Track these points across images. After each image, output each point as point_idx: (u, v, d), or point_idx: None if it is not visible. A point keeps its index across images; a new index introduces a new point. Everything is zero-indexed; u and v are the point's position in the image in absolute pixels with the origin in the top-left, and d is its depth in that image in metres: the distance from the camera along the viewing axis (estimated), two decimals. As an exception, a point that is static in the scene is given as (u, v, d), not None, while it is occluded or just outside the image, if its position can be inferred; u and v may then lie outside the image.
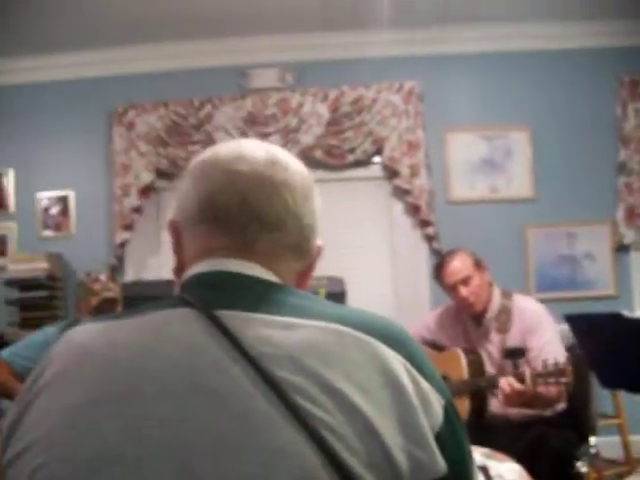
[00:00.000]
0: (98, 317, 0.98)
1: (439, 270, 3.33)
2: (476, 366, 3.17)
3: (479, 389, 3.06)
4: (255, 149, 1.02)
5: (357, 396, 0.79)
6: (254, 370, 0.80)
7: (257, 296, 0.91)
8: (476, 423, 2.93)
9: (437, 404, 0.85)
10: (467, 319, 3.34)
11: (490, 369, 3.17)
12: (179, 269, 1.03)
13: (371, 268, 4.48)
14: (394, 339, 0.87)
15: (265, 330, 0.84)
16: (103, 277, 3.73)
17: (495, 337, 3.22)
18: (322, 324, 0.85)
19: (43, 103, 4.83)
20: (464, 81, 4.57)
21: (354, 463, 0.76)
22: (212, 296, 0.90)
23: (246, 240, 0.96)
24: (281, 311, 0.87)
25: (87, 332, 0.92)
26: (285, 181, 0.99)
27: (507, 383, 2.86)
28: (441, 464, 0.81)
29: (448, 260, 3.30)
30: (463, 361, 3.15)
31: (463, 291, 3.21)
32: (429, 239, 4.41)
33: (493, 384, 3.00)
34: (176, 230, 1.03)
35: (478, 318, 3.28)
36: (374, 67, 4.55)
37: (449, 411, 0.86)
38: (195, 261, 0.98)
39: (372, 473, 0.77)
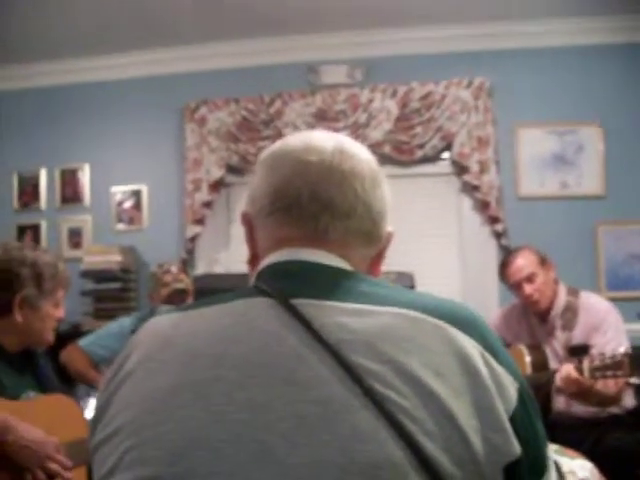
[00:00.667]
0: (177, 307, 1.01)
1: (503, 268, 3.32)
2: (539, 363, 3.15)
3: (541, 384, 3.03)
4: (323, 139, 1.04)
5: (432, 381, 0.80)
6: (332, 357, 0.82)
7: (331, 284, 0.93)
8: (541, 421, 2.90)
9: (511, 387, 0.85)
10: (532, 316, 3.32)
11: (554, 366, 3.14)
12: (253, 260, 1.06)
13: (439, 264, 4.46)
14: (467, 323, 0.88)
15: (341, 317, 0.86)
16: (174, 269, 3.82)
17: (560, 334, 3.18)
18: (396, 310, 0.87)
19: (118, 100, 4.95)
20: (534, 76, 4.49)
21: (431, 446, 0.77)
22: (287, 285, 0.92)
23: (318, 229, 0.99)
24: (356, 298, 0.89)
25: (168, 321, 0.95)
26: (353, 170, 1.01)
27: (565, 369, 2.83)
28: (516, 447, 0.82)
29: (512, 258, 3.29)
30: (527, 358, 3.13)
31: (527, 289, 3.19)
32: (498, 235, 4.37)
33: (554, 379, 2.97)
34: (248, 222, 1.06)
35: (543, 315, 3.25)
36: (443, 63, 4.53)
37: (523, 394, 0.87)
38: (269, 252, 1.01)
39: (448, 456, 0.78)
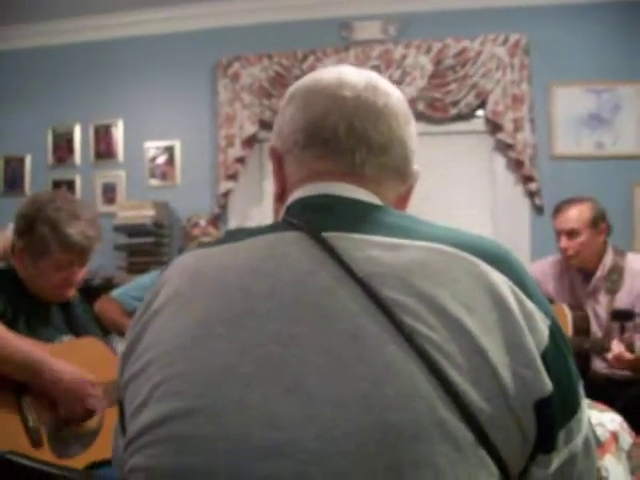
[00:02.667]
0: (205, 243, 1.01)
1: (555, 211, 3.24)
2: (582, 325, 3.10)
3: (582, 350, 3.01)
4: (355, 75, 1.04)
5: (463, 315, 0.80)
6: (363, 290, 0.82)
7: (363, 218, 0.92)
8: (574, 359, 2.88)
9: (542, 324, 0.84)
10: (575, 274, 3.26)
11: (596, 329, 3.10)
12: (281, 195, 1.06)
13: (471, 222, 4.40)
14: (498, 259, 0.87)
15: (373, 251, 0.85)
16: (203, 222, 3.84)
17: (603, 298, 3.12)
18: (428, 245, 0.86)
19: (151, 55, 4.95)
20: (572, 33, 4.39)
21: (460, 380, 0.77)
22: (320, 219, 0.92)
23: (354, 164, 0.99)
24: (387, 232, 0.89)
25: (196, 256, 0.96)
26: (387, 105, 1.02)
27: (617, 348, 2.80)
28: (547, 383, 0.81)
29: (566, 206, 3.19)
30: (569, 318, 3.09)
31: (564, 242, 3.14)
32: (531, 195, 4.32)
33: (598, 348, 2.94)
34: (277, 156, 1.06)
35: (587, 275, 3.19)
36: (479, 18, 4.45)
37: (554, 331, 0.86)
38: (300, 185, 1.01)
39: (478, 390, 0.78)
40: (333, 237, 0.88)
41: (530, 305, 0.84)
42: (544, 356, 0.82)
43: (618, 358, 2.79)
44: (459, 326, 0.80)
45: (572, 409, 0.87)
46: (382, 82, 1.06)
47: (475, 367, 0.78)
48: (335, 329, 0.80)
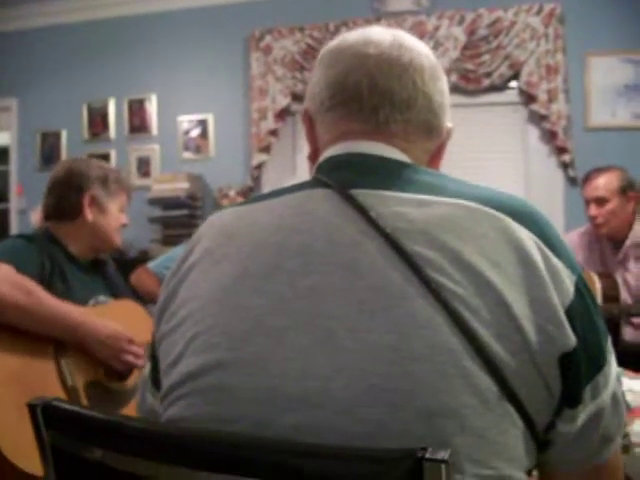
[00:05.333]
0: (237, 202, 1.03)
1: (584, 180, 3.24)
2: (611, 292, 3.10)
3: (611, 317, 3.00)
4: (381, 33, 1.04)
5: (488, 270, 0.81)
6: (389, 245, 0.83)
7: (390, 175, 0.93)
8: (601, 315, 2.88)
9: (568, 280, 0.84)
10: (605, 243, 3.26)
11: (626, 297, 3.10)
12: (313, 155, 1.08)
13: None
14: (525, 216, 0.87)
15: (399, 207, 0.86)
16: (232, 193, 3.87)
17: (634, 266, 3.12)
18: (454, 201, 0.86)
19: (183, 29, 4.98)
20: (608, 1, 4.33)
21: (484, 333, 0.78)
22: (347, 177, 0.93)
23: (379, 122, 0.99)
24: (414, 189, 0.89)
25: (229, 214, 0.98)
26: (412, 61, 1.00)
27: None
28: (571, 338, 0.82)
29: (595, 175, 3.18)
30: (597, 285, 3.09)
31: (593, 210, 3.13)
32: (565, 166, 4.29)
33: (627, 313, 2.93)
34: (308, 118, 1.08)
35: (617, 243, 3.18)
36: (513, -12, 4.40)
37: (580, 287, 0.86)
38: (329, 145, 1.02)
39: (502, 344, 0.78)
40: (361, 194, 0.89)
41: (555, 261, 0.84)
42: (569, 311, 0.83)
43: None
44: (484, 281, 0.80)
45: (598, 364, 0.87)
46: (409, 39, 1.05)
47: (499, 321, 0.79)
48: (363, 283, 0.82)
